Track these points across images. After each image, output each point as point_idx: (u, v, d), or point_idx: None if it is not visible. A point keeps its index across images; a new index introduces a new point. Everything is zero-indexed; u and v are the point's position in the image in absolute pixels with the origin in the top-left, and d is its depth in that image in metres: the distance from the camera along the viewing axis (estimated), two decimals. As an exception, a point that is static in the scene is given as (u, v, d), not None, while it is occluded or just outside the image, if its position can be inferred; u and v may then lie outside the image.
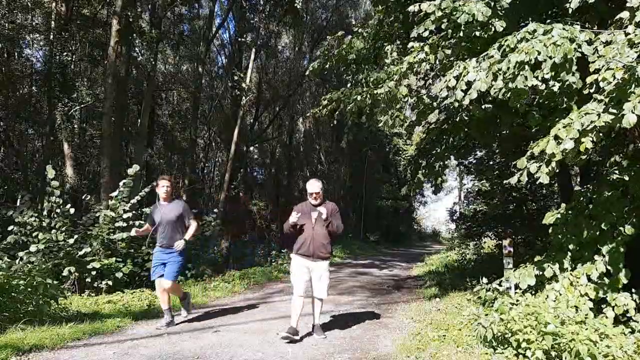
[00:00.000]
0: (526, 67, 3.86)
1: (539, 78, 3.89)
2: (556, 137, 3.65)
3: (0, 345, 4.00)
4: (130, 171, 7.56)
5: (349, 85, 7.22)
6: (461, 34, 4.74)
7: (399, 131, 22.58)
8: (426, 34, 4.91)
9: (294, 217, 4.73)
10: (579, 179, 8.65)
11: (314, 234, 4.76)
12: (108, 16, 14.51)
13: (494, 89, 4.06)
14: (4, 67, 14.10)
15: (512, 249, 5.96)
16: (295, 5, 15.76)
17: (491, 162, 10.49)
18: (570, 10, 4.36)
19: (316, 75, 8.22)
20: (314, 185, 4.90)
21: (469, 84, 4.26)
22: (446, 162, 6.87)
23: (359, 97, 5.74)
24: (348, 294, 7.96)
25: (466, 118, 6.11)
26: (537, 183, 3.79)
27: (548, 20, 4.50)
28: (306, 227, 4.80)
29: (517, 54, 3.89)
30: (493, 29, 4.55)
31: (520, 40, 4.05)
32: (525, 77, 3.85)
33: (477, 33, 4.66)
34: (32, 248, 6.44)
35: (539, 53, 3.79)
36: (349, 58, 7.15)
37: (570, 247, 4.46)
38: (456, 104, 4.57)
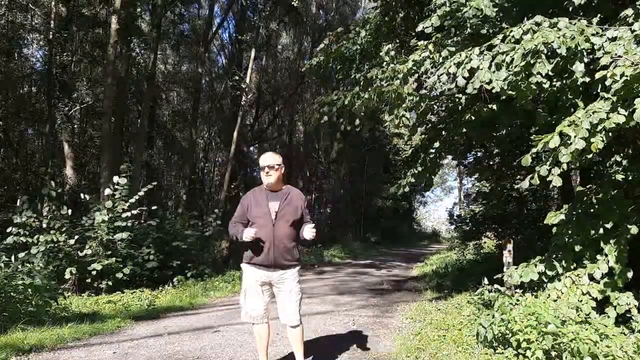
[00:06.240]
0: (543, 56, 3.72)
1: (543, 74, 3.82)
2: (561, 134, 3.56)
3: (0, 345, 4.00)
4: (122, 167, 7.47)
5: (341, 87, 7.08)
6: (466, 31, 4.69)
7: (399, 131, 22.57)
8: (430, 29, 4.87)
9: (249, 232, 3.21)
10: (578, 180, 8.64)
11: (275, 234, 3.28)
12: (107, 16, 14.50)
13: (497, 80, 3.94)
14: (4, 67, 14.11)
15: (512, 252, 5.95)
16: (293, 4, 15.74)
17: (490, 163, 10.47)
18: (571, 9, 4.34)
19: (317, 75, 8.09)
20: (268, 157, 3.38)
21: (472, 72, 4.14)
22: (441, 159, 6.74)
23: (366, 96, 5.66)
24: (348, 294, 7.95)
25: (470, 117, 6.03)
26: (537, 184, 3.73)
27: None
28: (262, 224, 3.28)
29: (531, 42, 3.75)
30: (498, 27, 4.52)
31: (526, 31, 3.98)
32: (544, 64, 3.70)
33: (483, 30, 4.63)
34: (33, 249, 6.42)
35: (553, 41, 3.68)
36: (352, 49, 6.88)
37: (576, 248, 4.43)
38: (460, 95, 4.50)
